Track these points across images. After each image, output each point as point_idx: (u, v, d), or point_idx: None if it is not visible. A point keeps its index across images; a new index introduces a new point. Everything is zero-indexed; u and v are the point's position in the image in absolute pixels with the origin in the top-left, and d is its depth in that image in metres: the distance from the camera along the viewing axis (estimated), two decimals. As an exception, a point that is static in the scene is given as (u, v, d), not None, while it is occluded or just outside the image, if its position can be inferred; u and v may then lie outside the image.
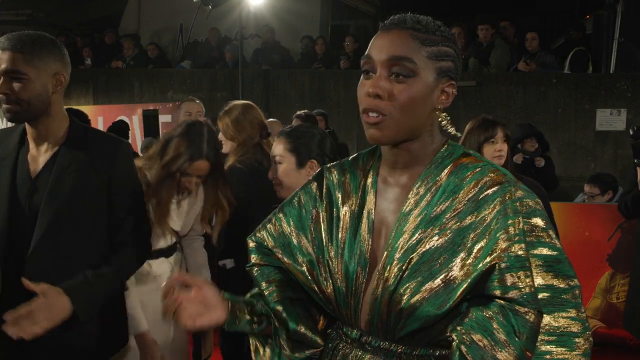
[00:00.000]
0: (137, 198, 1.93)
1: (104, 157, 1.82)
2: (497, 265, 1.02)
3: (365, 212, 1.19)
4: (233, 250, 2.59)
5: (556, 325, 1.10)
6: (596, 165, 6.16)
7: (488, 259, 1.03)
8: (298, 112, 4.93)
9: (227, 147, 2.74)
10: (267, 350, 1.30)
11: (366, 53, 1.13)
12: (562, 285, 1.10)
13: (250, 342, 1.34)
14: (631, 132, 3.02)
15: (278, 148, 2.06)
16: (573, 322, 1.10)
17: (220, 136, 2.73)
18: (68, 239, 1.76)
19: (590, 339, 1.11)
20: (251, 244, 1.33)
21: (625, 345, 4.23)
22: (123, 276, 1.91)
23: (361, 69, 1.14)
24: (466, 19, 7.09)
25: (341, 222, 1.21)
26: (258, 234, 1.33)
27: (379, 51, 1.10)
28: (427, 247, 1.08)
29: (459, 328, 1.03)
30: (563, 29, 7.51)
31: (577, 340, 1.10)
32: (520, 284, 1.02)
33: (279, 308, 1.25)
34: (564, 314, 1.10)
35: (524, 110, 6.50)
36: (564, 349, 1.09)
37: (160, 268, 2.35)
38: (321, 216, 1.25)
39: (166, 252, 2.38)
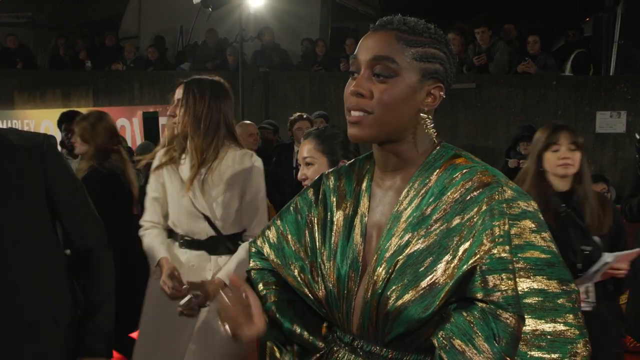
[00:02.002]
0: (82, 193, 1.76)
1: (29, 157, 1.62)
2: (478, 266, 1.01)
3: (358, 216, 1.19)
4: None
5: (548, 330, 1.07)
6: (596, 167, 6.16)
7: (471, 261, 1.02)
8: (318, 112, 5.10)
9: (82, 148, 3.23)
10: (285, 357, 1.29)
11: (353, 54, 1.14)
12: (555, 290, 1.08)
13: (267, 345, 1.32)
14: (637, 137, 3.00)
15: (308, 149, 2.09)
16: (568, 327, 1.07)
17: (76, 138, 3.24)
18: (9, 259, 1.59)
19: (588, 345, 1.08)
20: (252, 250, 1.34)
21: (626, 348, 4.22)
22: (111, 288, 1.78)
23: (349, 69, 1.15)
24: (466, 20, 7.09)
25: (335, 226, 1.21)
26: (257, 241, 1.33)
27: (364, 52, 1.11)
28: (414, 249, 1.07)
29: (440, 333, 1.02)
30: (563, 29, 7.51)
31: (571, 346, 1.06)
32: (502, 286, 1.00)
33: (273, 308, 1.24)
34: (559, 319, 1.07)
35: (523, 112, 6.50)
36: (556, 355, 1.06)
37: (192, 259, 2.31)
38: (315, 220, 1.25)
39: (205, 246, 2.30)
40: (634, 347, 4.17)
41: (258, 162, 2.33)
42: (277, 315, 1.23)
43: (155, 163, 2.38)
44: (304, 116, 4.94)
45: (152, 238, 2.33)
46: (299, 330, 1.23)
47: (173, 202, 2.31)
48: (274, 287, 1.27)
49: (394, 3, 9.69)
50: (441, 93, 1.13)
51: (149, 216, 2.38)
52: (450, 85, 1.15)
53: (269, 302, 1.25)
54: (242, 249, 2.29)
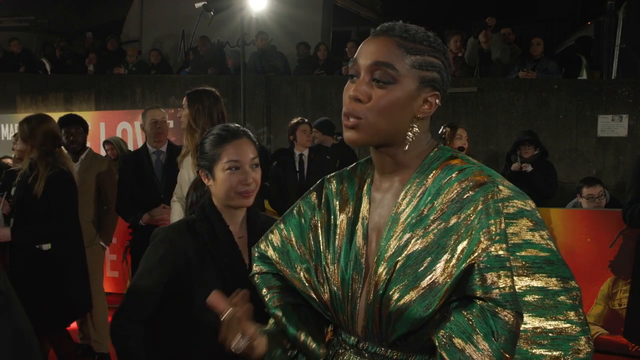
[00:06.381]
0: None
1: None
2: (476, 264, 1.02)
3: (360, 219, 1.21)
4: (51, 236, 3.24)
5: (549, 328, 1.07)
6: (598, 171, 6.15)
7: (469, 259, 1.03)
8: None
9: (20, 146, 3.57)
10: None
11: (354, 57, 1.15)
12: (555, 287, 1.08)
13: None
14: None
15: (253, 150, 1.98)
16: (569, 325, 1.07)
17: (16, 137, 3.62)
18: None
19: (591, 342, 1.08)
20: (255, 254, 1.35)
21: (627, 352, 4.22)
22: None
23: (348, 73, 1.16)
24: (467, 25, 7.11)
25: (338, 229, 1.23)
26: (261, 244, 1.34)
27: (364, 56, 1.13)
28: (413, 249, 1.09)
29: (440, 332, 1.03)
30: (565, 35, 7.53)
31: (573, 343, 1.07)
32: (500, 283, 1.00)
33: (279, 313, 1.24)
34: (560, 317, 1.08)
35: (525, 116, 6.50)
36: (558, 353, 1.07)
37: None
38: (319, 224, 1.26)
39: None
40: (635, 350, 4.16)
41: None
42: (284, 320, 1.24)
43: None
44: (305, 120, 5.00)
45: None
46: (303, 337, 1.23)
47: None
48: (277, 291, 1.27)
49: (395, 7, 9.72)
50: (437, 101, 1.15)
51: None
52: (446, 93, 1.17)
53: (274, 305, 1.25)
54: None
